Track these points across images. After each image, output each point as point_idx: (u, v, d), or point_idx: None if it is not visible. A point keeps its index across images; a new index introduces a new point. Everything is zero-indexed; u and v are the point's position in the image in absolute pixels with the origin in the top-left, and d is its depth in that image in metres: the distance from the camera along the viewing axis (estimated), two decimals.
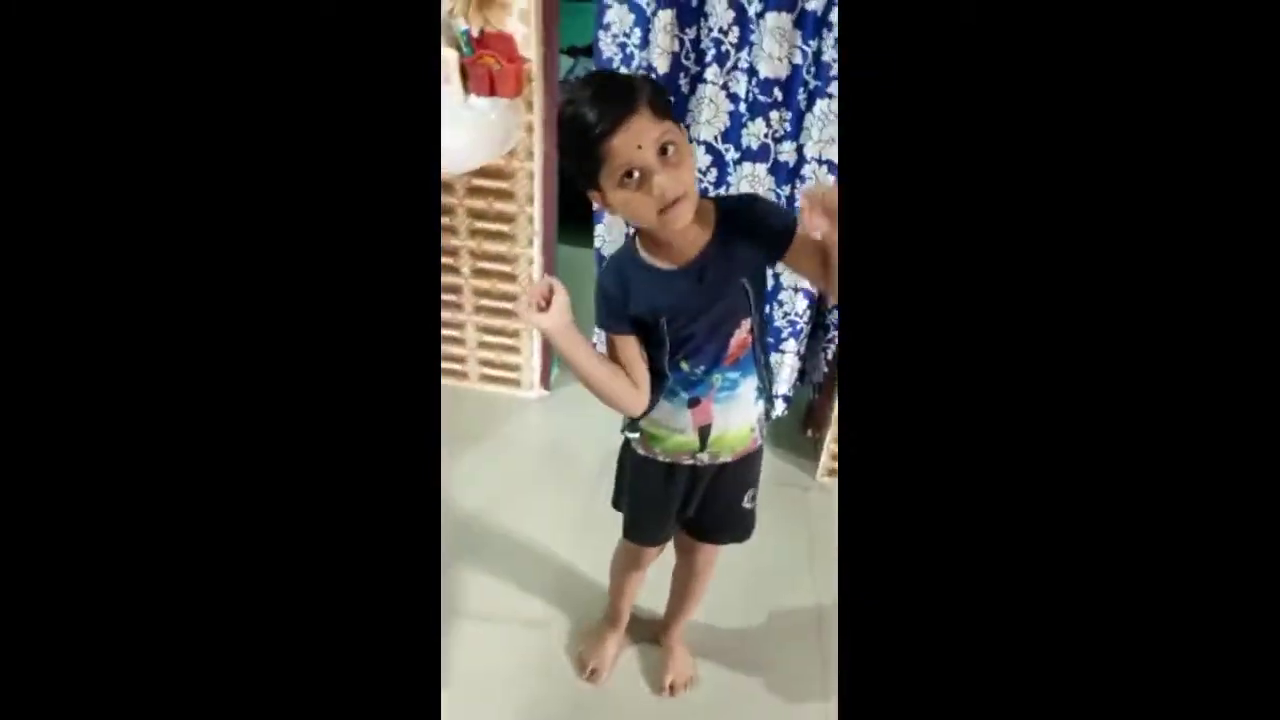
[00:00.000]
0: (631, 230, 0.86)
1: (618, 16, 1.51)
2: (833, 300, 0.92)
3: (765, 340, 0.97)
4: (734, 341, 0.90)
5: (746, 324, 0.89)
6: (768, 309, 1.76)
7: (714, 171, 1.61)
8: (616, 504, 1.13)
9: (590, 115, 0.74)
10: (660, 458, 1.01)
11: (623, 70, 1.56)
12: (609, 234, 1.78)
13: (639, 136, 0.74)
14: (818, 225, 0.74)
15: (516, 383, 2.03)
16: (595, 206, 1.77)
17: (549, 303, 0.81)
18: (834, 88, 1.46)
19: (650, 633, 1.36)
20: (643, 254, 0.87)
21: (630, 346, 0.90)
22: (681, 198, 0.77)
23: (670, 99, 0.81)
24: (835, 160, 1.53)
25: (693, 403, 0.94)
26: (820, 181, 1.03)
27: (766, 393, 0.98)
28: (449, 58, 1.45)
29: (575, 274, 1.94)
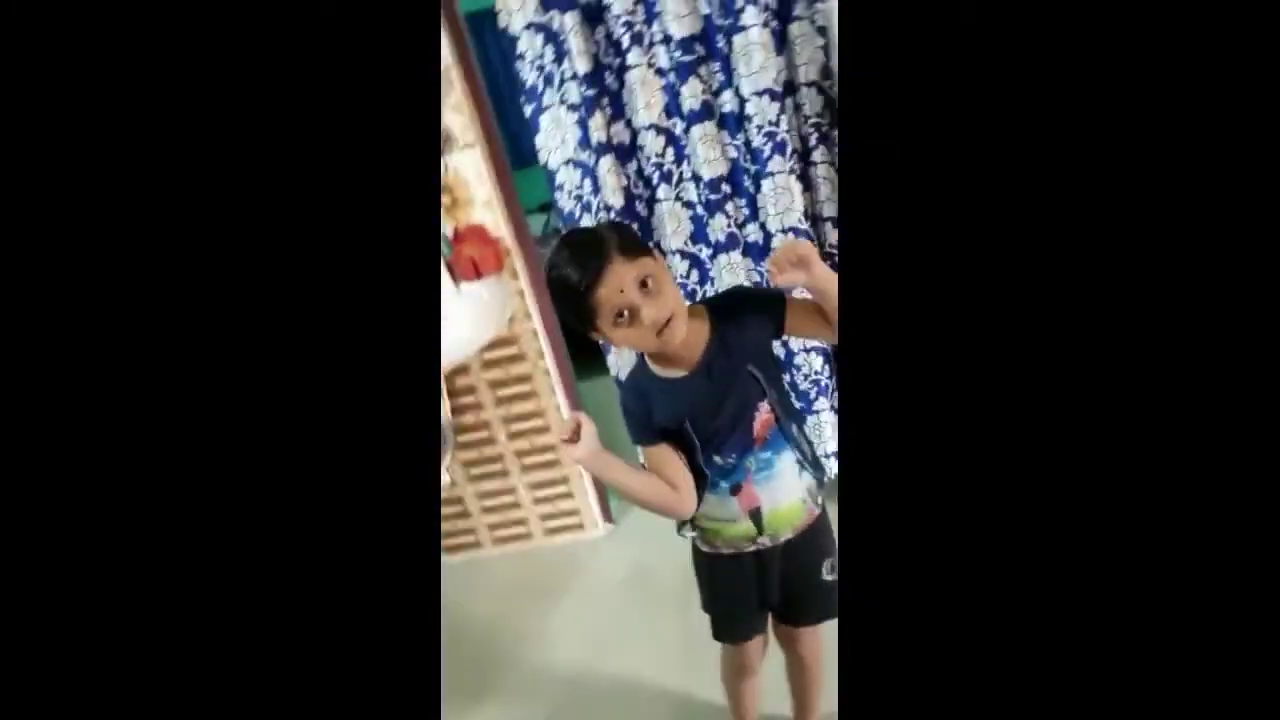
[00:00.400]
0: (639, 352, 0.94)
1: (566, 176, 1.68)
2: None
3: (794, 412, 1.00)
4: (757, 424, 0.95)
5: (764, 405, 0.94)
6: (788, 376, 1.80)
7: (695, 272, 1.71)
8: (705, 606, 1.13)
9: (572, 276, 0.82)
10: (725, 550, 1.03)
11: (584, 218, 1.71)
12: (620, 359, 1.87)
13: (619, 282, 0.82)
14: (795, 279, 0.83)
15: (581, 526, 2.05)
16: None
17: (578, 435, 0.86)
18: (773, 164, 1.58)
19: None
20: (653, 368, 0.94)
21: (663, 453, 0.95)
22: (672, 318, 0.84)
23: (636, 235, 0.91)
24: (800, 226, 1.63)
25: (735, 489, 0.97)
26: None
27: (810, 462, 1.01)
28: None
29: (600, 404, 2.02)
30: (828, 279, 0.83)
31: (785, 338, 1.72)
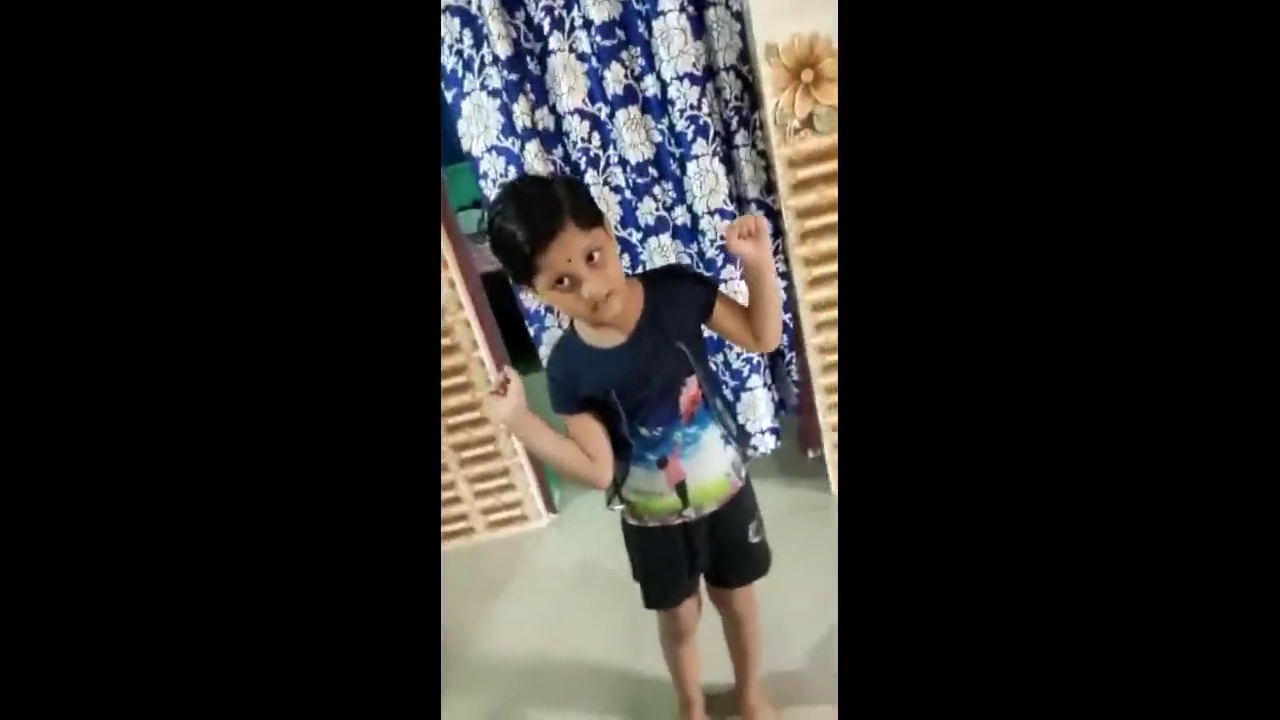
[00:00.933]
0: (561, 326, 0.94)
1: (491, 164, 1.66)
2: (758, 348, 0.99)
3: (720, 389, 1.03)
4: (684, 399, 0.96)
5: (692, 381, 0.96)
6: (724, 354, 1.84)
7: (626, 256, 1.73)
8: (636, 575, 1.15)
9: (519, 235, 0.78)
10: (651, 523, 1.05)
11: None
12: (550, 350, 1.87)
13: (567, 251, 0.80)
14: (744, 249, 0.86)
15: (524, 518, 2.03)
16: (532, 304, 1.85)
17: (506, 389, 0.85)
18: (696, 148, 1.61)
19: (734, 705, 1.33)
20: (584, 336, 0.94)
21: (585, 423, 0.96)
22: (611, 293, 0.84)
23: (591, 199, 0.88)
24: (726, 208, 1.67)
25: (661, 463, 0.99)
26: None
27: (734, 437, 1.04)
28: None
29: (536, 399, 2.01)
30: (769, 260, 0.90)
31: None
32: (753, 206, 1.70)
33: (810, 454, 1.94)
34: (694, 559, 1.09)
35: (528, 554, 1.96)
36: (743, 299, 0.98)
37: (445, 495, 1.97)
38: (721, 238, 0.83)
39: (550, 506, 2.06)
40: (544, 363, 1.84)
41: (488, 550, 2.01)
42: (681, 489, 1.00)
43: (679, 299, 0.94)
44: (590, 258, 0.82)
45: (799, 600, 1.49)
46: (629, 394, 0.94)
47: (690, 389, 0.96)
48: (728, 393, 1.81)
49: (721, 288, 0.99)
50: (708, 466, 1.00)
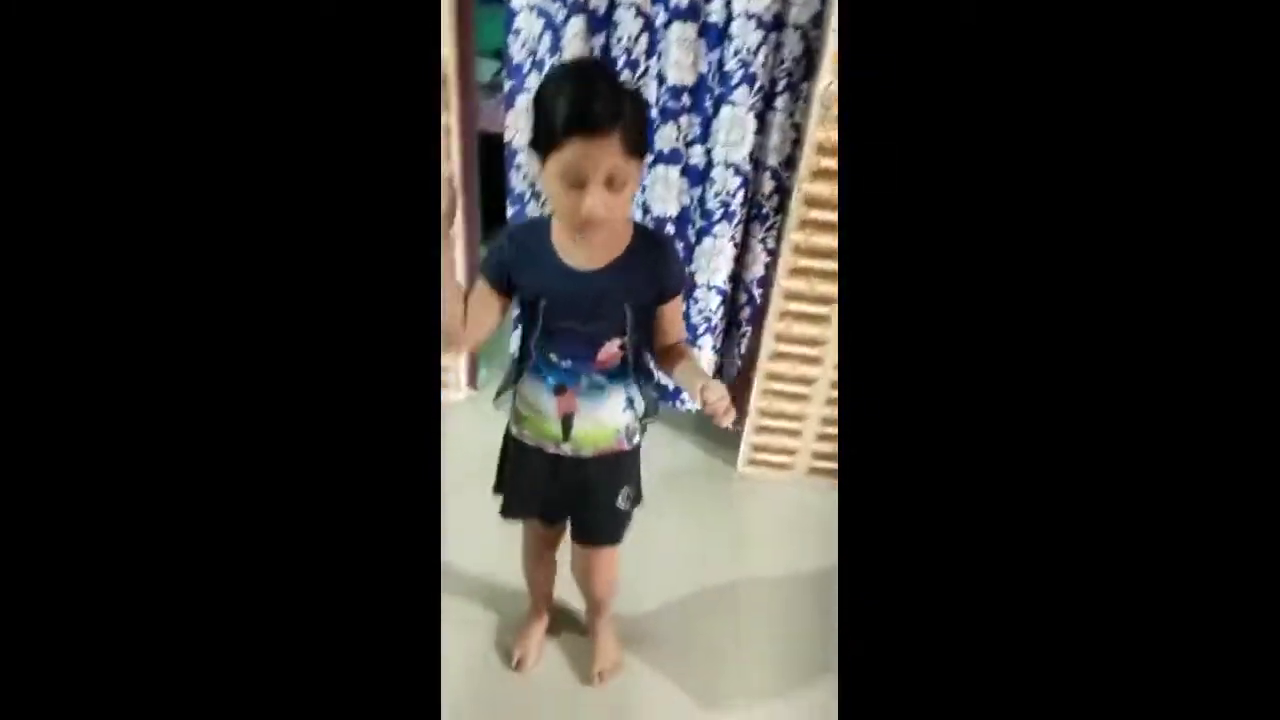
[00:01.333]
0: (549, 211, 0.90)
1: (526, 23, 1.54)
2: (659, 358, 1.01)
3: (644, 363, 1.02)
4: (602, 351, 0.96)
5: (617, 341, 0.95)
6: (687, 306, 1.83)
7: None
8: (497, 488, 1.16)
9: (563, 108, 0.74)
10: (528, 441, 1.06)
11: (532, 75, 1.59)
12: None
13: (596, 156, 0.76)
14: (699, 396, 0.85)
15: (444, 385, 2.03)
16: (518, 185, 1.77)
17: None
18: (737, 95, 1.53)
19: (582, 625, 1.41)
20: (554, 237, 0.92)
21: (488, 296, 0.94)
22: (604, 223, 0.81)
23: (647, 127, 0.84)
24: (741, 163, 1.61)
25: (558, 390, 0.99)
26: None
27: (643, 408, 1.04)
28: None
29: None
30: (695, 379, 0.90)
31: (693, 269, 1.74)
32: (767, 174, 1.64)
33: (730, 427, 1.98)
34: (554, 491, 1.10)
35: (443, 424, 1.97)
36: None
37: None
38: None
39: (472, 383, 2.06)
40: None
41: None
42: (567, 422, 1.01)
43: (653, 270, 0.93)
44: (611, 180, 0.78)
45: (668, 558, 1.56)
46: (558, 314, 0.93)
47: (612, 346, 0.96)
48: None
49: (679, 298, 0.99)
50: (600, 416, 1.01)
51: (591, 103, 0.75)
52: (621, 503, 1.12)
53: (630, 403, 1.02)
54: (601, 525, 1.14)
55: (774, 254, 1.69)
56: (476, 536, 1.58)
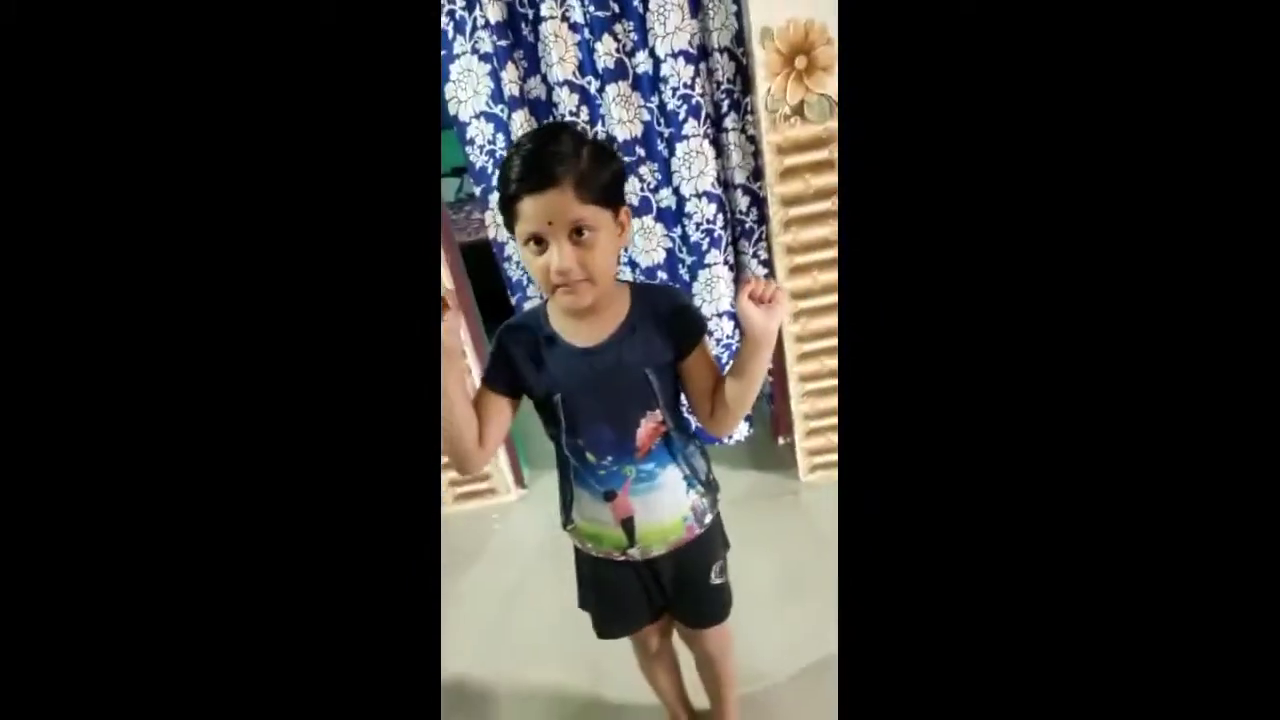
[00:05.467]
0: (544, 297, 0.87)
1: (479, 130, 1.64)
2: (708, 423, 0.89)
3: (689, 430, 0.93)
4: (641, 432, 0.87)
5: (655, 415, 0.86)
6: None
7: None
8: (583, 604, 1.07)
9: (513, 174, 0.74)
10: (596, 554, 0.98)
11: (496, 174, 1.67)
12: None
13: (550, 212, 0.73)
14: (749, 313, 0.76)
15: (493, 491, 2.03)
16: (514, 274, 1.79)
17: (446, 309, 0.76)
18: (687, 128, 1.60)
19: None
20: (553, 324, 0.86)
21: (497, 405, 0.87)
22: (582, 282, 0.76)
23: (618, 176, 0.79)
24: (712, 191, 1.67)
25: (609, 496, 0.90)
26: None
27: (700, 482, 0.94)
28: None
29: None
30: (772, 337, 0.78)
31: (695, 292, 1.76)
32: (739, 192, 1.70)
33: (781, 440, 1.96)
34: (649, 596, 1.02)
35: (497, 528, 1.96)
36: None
37: None
38: (738, 290, 0.79)
39: (520, 482, 2.06)
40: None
41: (455, 523, 2.00)
42: (628, 526, 0.92)
43: (663, 325, 0.85)
44: (578, 232, 0.74)
45: (761, 586, 1.51)
46: (576, 405, 0.85)
47: (651, 422, 0.86)
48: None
49: (707, 337, 0.89)
50: (661, 508, 0.91)
51: (535, 158, 0.74)
52: (714, 578, 1.02)
53: (689, 482, 0.92)
54: (700, 605, 1.05)
55: (769, 264, 1.73)
56: (542, 647, 1.53)
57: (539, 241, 0.75)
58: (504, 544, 1.90)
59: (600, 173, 0.76)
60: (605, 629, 1.06)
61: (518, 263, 1.79)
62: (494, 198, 1.70)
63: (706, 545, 0.99)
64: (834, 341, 1.71)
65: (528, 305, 1.84)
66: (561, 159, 0.74)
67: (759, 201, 1.69)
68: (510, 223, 0.78)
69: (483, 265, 1.92)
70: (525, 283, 1.81)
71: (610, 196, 0.77)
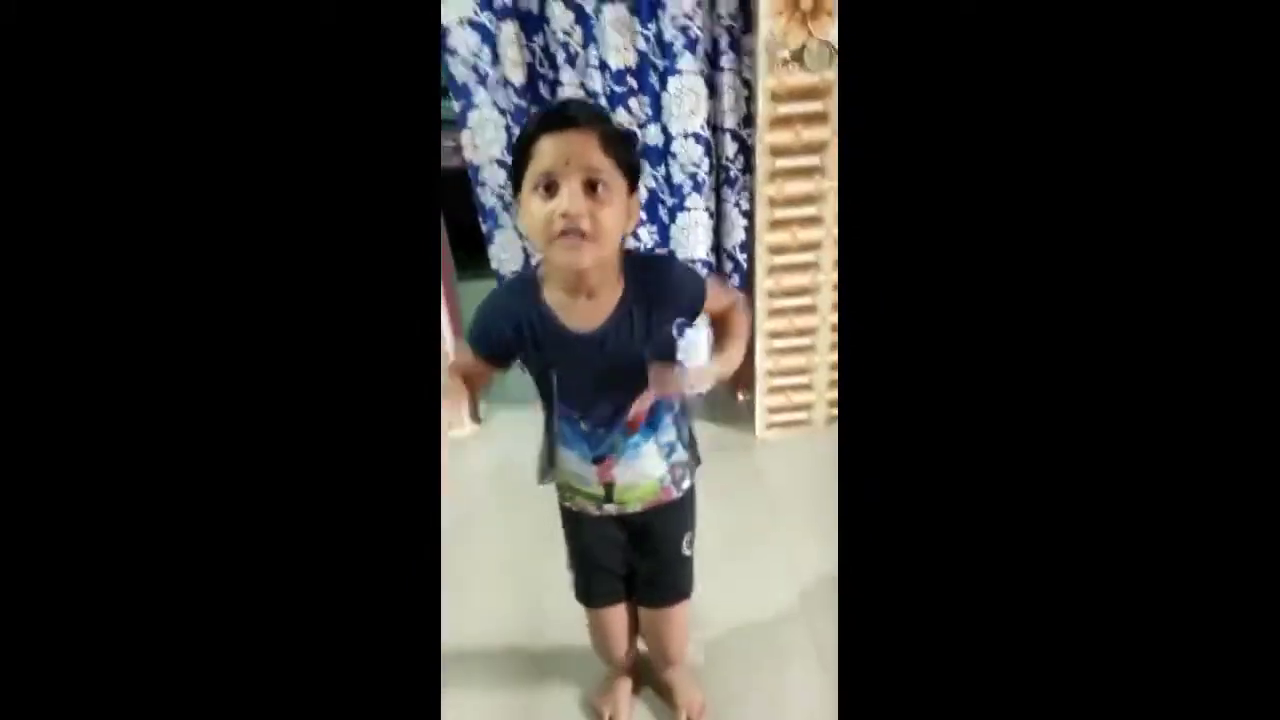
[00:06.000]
0: (535, 262, 0.82)
1: (462, 40, 1.55)
2: (705, 381, 0.86)
3: (673, 403, 0.93)
4: (634, 409, 0.88)
5: (646, 396, 0.87)
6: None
7: None
8: (569, 566, 1.09)
9: (532, 122, 0.75)
10: (572, 507, 1.00)
11: (479, 91, 1.59)
12: (503, 253, 1.80)
13: (570, 151, 0.71)
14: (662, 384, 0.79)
15: (446, 424, 1.98)
16: (489, 200, 1.74)
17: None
18: (682, 63, 1.55)
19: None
20: (547, 303, 0.82)
21: (479, 369, 0.87)
22: (588, 236, 0.72)
23: (635, 147, 0.79)
24: (701, 133, 1.62)
25: (598, 460, 0.92)
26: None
27: (683, 449, 0.96)
28: None
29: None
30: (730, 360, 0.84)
31: (671, 250, 1.73)
32: (727, 136, 1.66)
33: (741, 397, 1.97)
34: (624, 555, 1.03)
35: (448, 460, 1.92)
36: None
37: None
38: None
39: (475, 417, 2.02)
40: (493, 262, 1.80)
41: None
42: (609, 487, 0.95)
43: (664, 300, 0.83)
44: (592, 185, 0.72)
45: (711, 539, 1.51)
46: (571, 383, 0.85)
47: (641, 405, 0.87)
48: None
49: (710, 282, 0.88)
50: (640, 473, 0.94)
51: (559, 107, 0.75)
52: (686, 548, 1.04)
53: (670, 448, 0.94)
54: (669, 580, 1.06)
55: (750, 215, 1.70)
56: (485, 577, 1.52)
57: (549, 188, 0.72)
58: (453, 479, 1.86)
59: (621, 142, 0.75)
60: (582, 588, 1.08)
61: (492, 190, 1.72)
62: (474, 115, 1.63)
63: (680, 511, 1.01)
64: (806, 300, 1.70)
65: (499, 235, 1.77)
66: (586, 111, 0.75)
67: (746, 150, 1.66)
68: (519, 175, 0.74)
69: (455, 196, 1.84)
70: (498, 212, 1.74)
71: (627, 161, 0.76)
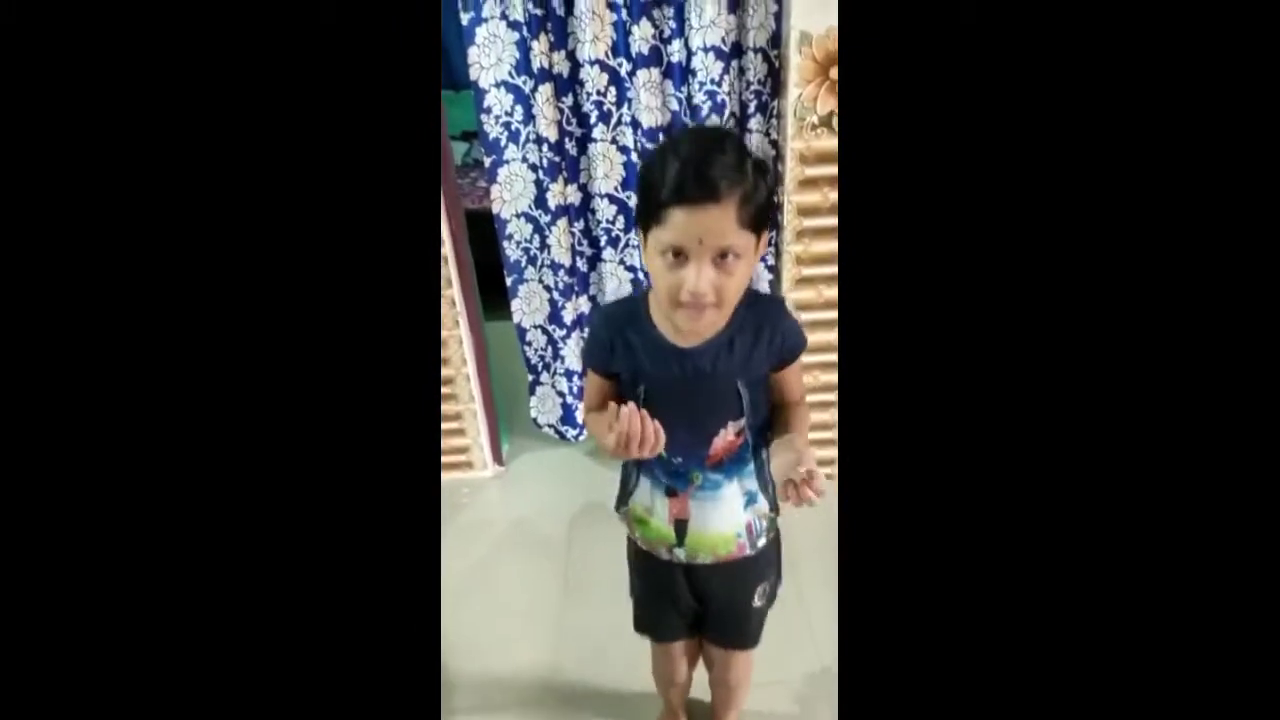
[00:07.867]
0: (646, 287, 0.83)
1: (497, 100, 1.59)
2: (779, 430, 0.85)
3: (761, 445, 0.89)
4: (718, 441, 0.85)
5: (736, 425, 0.84)
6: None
7: (621, 219, 1.69)
8: (631, 591, 1.07)
9: (669, 180, 0.68)
10: (644, 546, 0.97)
11: (510, 148, 1.63)
12: (526, 306, 1.82)
13: (705, 230, 0.68)
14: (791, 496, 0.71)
15: (470, 464, 2.00)
16: (513, 254, 1.74)
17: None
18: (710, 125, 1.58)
19: None
20: (653, 316, 0.83)
21: (605, 389, 0.88)
22: (710, 306, 0.72)
23: (767, 207, 0.73)
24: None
25: (670, 492, 0.89)
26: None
27: (764, 499, 0.91)
28: None
29: (507, 344, 1.97)
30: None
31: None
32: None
33: None
34: (688, 601, 1.00)
35: (470, 501, 1.93)
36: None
37: None
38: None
39: (498, 459, 2.03)
40: (515, 317, 1.83)
41: None
42: (680, 528, 0.90)
43: (763, 339, 0.82)
44: (723, 256, 0.70)
45: None
46: (658, 400, 0.82)
47: (729, 434, 0.84)
48: None
49: (799, 360, 0.87)
50: (717, 519, 0.89)
51: (699, 168, 0.67)
52: (758, 600, 1.00)
53: (751, 498, 0.90)
54: (735, 627, 1.03)
55: (775, 270, 1.72)
56: (504, 622, 1.52)
57: (678, 254, 0.70)
58: (471, 520, 1.87)
59: (760, 193, 0.71)
60: (645, 623, 1.06)
61: (518, 243, 1.75)
62: (503, 170, 1.67)
63: (754, 565, 0.97)
64: (831, 357, 1.70)
65: (523, 289, 1.80)
66: (728, 173, 0.68)
67: (775, 207, 1.67)
68: (648, 224, 0.72)
69: (484, 235, 1.88)
70: (522, 265, 1.77)
71: (763, 222, 0.72)
